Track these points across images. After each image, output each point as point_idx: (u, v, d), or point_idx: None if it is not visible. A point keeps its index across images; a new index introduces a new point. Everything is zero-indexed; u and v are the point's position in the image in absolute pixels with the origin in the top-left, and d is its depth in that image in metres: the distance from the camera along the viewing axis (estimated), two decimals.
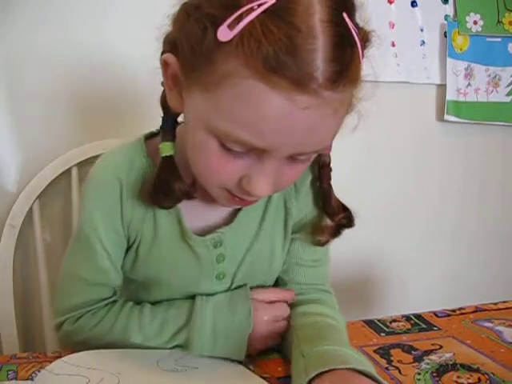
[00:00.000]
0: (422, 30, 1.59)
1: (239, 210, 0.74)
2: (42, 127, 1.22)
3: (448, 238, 1.76)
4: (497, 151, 1.76)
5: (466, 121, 1.66)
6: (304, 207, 0.78)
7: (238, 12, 0.50)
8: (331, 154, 0.75)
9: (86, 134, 1.20)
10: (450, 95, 1.63)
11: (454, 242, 1.77)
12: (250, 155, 0.57)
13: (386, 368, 0.70)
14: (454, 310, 0.90)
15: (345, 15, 0.52)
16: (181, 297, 0.75)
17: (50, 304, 1.15)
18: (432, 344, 0.77)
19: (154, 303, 0.75)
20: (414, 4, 1.56)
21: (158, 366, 0.66)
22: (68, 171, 1.17)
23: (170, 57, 0.60)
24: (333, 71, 0.50)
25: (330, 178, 0.75)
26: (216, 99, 0.54)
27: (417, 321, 0.86)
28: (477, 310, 0.90)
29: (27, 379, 0.65)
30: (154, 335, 0.70)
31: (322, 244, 0.77)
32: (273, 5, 0.49)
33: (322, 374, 0.58)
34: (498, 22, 1.64)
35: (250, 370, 0.69)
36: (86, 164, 1.15)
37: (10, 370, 0.67)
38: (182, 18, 0.58)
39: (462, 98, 1.64)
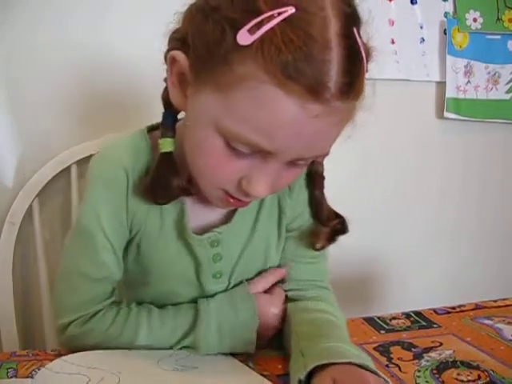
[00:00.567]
0: (421, 28, 1.58)
1: (235, 209, 0.74)
2: (42, 125, 1.22)
3: (448, 236, 1.75)
4: (497, 149, 1.76)
5: (466, 118, 1.66)
6: (298, 205, 0.78)
7: (259, 18, 0.51)
8: (324, 161, 0.76)
9: (86, 132, 1.20)
10: (450, 92, 1.63)
11: (453, 240, 1.76)
12: (254, 156, 0.58)
13: (386, 365, 0.70)
14: (453, 308, 0.90)
15: (355, 30, 0.55)
16: (180, 294, 0.75)
17: (50, 301, 1.15)
18: (432, 341, 0.77)
19: (153, 300, 0.75)
20: (413, 1, 1.56)
21: (159, 366, 0.67)
22: (67, 169, 1.17)
23: (179, 54, 0.61)
24: (344, 83, 0.53)
25: (322, 187, 0.77)
26: (229, 100, 0.55)
27: (417, 318, 0.86)
28: (477, 307, 0.90)
29: (27, 377, 0.65)
30: (163, 340, 0.71)
31: (319, 249, 0.77)
32: (292, 14, 0.51)
33: (321, 369, 0.59)
34: (498, 19, 1.64)
35: (249, 367, 0.69)
36: (85, 162, 1.15)
37: (9, 368, 0.67)
38: (197, 18, 0.58)
39: (461, 96, 1.64)
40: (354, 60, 0.54)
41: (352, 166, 1.54)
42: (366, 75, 0.58)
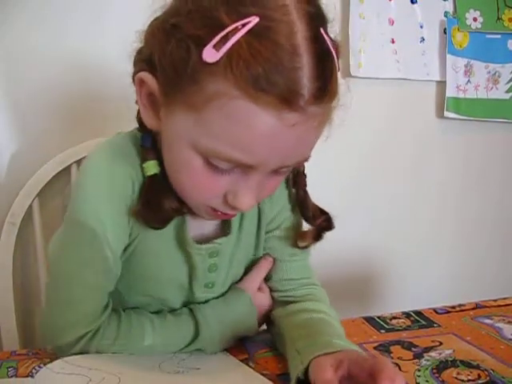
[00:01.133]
0: (421, 27, 1.58)
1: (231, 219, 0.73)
2: (42, 125, 1.22)
3: (448, 235, 1.75)
4: (497, 148, 1.76)
5: (466, 118, 1.66)
6: (276, 204, 0.77)
7: (223, 32, 0.50)
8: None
9: (86, 132, 1.20)
10: (450, 92, 1.63)
11: (454, 239, 1.76)
12: (235, 171, 0.58)
13: None
14: (453, 307, 0.90)
15: (322, 30, 0.54)
16: (168, 300, 0.74)
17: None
18: (432, 341, 0.77)
19: (139, 304, 0.74)
20: (413, 1, 1.56)
21: (160, 369, 0.67)
22: (67, 169, 1.17)
23: (146, 75, 0.59)
24: (317, 87, 0.52)
25: (305, 185, 0.76)
26: (203, 119, 0.54)
27: (417, 318, 0.86)
28: (477, 306, 0.90)
29: (27, 376, 0.65)
30: (166, 347, 0.71)
31: (305, 248, 0.77)
32: (256, 24, 0.50)
33: (316, 358, 0.60)
34: (498, 18, 1.64)
35: (250, 367, 0.69)
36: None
37: (10, 367, 0.67)
38: (160, 37, 0.57)
39: (461, 95, 1.64)
40: (325, 62, 0.54)
41: (352, 165, 1.54)
42: (339, 73, 0.58)
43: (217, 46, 0.51)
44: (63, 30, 1.19)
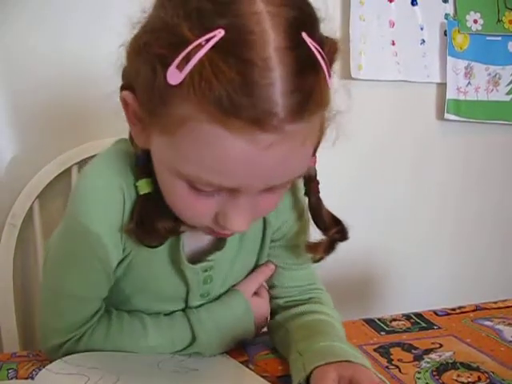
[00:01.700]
0: (422, 29, 1.58)
1: None
2: (42, 126, 1.22)
3: (448, 237, 1.75)
4: (497, 150, 1.76)
5: (466, 120, 1.66)
6: (282, 214, 0.75)
7: (186, 50, 0.46)
8: (317, 164, 0.70)
9: (86, 134, 1.20)
10: (450, 94, 1.63)
11: (454, 241, 1.76)
12: (222, 194, 0.55)
13: (386, 367, 0.70)
14: (454, 309, 0.90)
15: (304, 35, 0.48)
16: (163, 309, 0.73)
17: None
18: (432, 343, 0.77)
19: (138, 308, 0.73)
20: (414, 3, 1.56)
21: (159, 368, 0.67)
22: (68, 170, 1.17)
23: (128, 95, 0.56)
24: (294, 103, 0.47)
25: (318, 192, 0.71)
26: (177, 144, 0.51)
27: (417, 320, 0.86)
28: (477, 308, 0.90)
29: (27, 378, 0.65)
30: (162, 349, 0.70)
31: (317, 261, 0.73)
32: (222, 38, 0.46)
33: (320, 368, 0.59)
34: (498, 20, 1.64)
35: (250, 369, 0.69)
36: (85, 163, 1.14)
37: (10, 369, 0.68)
38: (132, 56, 0.55)
39: (462, 97, 1.64)
40: (305, 72, 0.48)
41: (353, 166, 1.54)
42: (331, 80, 0.52)
43: (180, 66, 0.47)
44: (63, 31, 1.20)
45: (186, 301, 0.73)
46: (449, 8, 1.60)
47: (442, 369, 0.69)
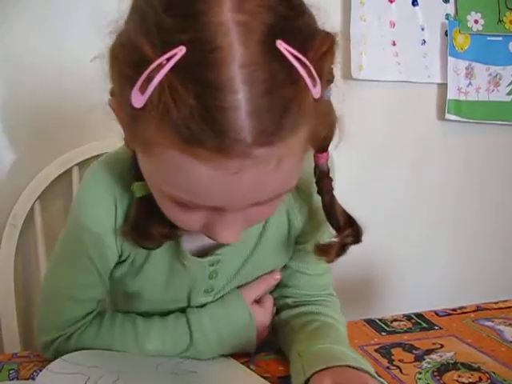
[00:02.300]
0: (422, 29, 1.58)
1: None
2: (43, 127, 1.22)
3: (449, 237, 1.75)
4: (498, 150, 1.76)
5: (467, 120, 1.66)
6: (307, 221, 0.73)
7: (147, 71, 0.43)
8: (329, 162, 0.66)
9: (87, 134, 1.20)
10: (451, 94, 1.63)
11: (454, 241, 1.76)
12: (208, 208, 0.51)
13: (387, 367, 0.70)
14: (455, 309, 0.90)
15: (280, 43, 0.43)
16: (169, 306, 0.73)
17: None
18: (433, 343, 0.77)
19: (140, 311, 0.73)
20: (414, 3, 1.56)
21: (158, 369, 0.67)
22: (69, 171, 1.17)
23: (113, 101, 0.55)
24: (263, 126, 0.43)
25: (331, 189, 0.66)
26: (152, 163, 0.50)
27: (418, 320, 0.86)
28: (478, 309, 0.90)
29: (28, 378, 0.65)
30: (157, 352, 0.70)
31: (328, 263, 0.70)
32: (183, 56, 0.42)
33: (319, 372, 0.59)
34: (499, 20, 1.64)
35: (251, 369, 0.69)
36: (86, 164, 1.15)
37: (11, 370, 0.68)
38: (110, 64, 0.51)
39: (462, 97, 1.64)
40: (278, 88, 0.43)
41: (353, 166, 1.54)
42: (317, 87, 0.46)
43: (142, 89, 0.43)
44: (63, 31, 1.20)
45: (188, 297, 0.72)
46: (449, 8, 1.60)
47: (442, 369, 0.69)
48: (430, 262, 1.73)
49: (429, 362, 0.71)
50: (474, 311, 0.89)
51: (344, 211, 0.67)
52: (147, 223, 0.60)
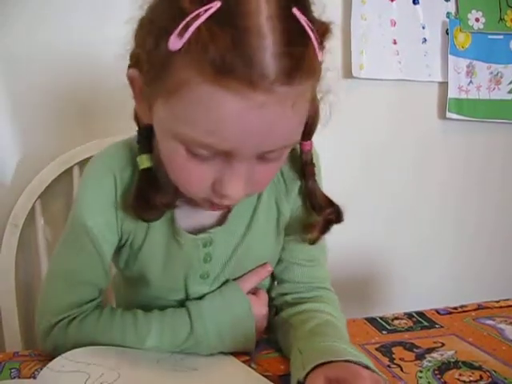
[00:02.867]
0: (423, 28, 1.58)
1: (229, 211, 0.73)
2: (43, 126, 1.22)
3: (449, 236, 1.75)
4: (499, 149, 1.76)
5: (468, 118, 1.66)
6: (295, 209, 0.78)
7: (186, 20, 0.51)
8: (313, 151, 0.74)
9: (88, 133, 1.20)
10: (452, 93, 1.63)
11: (455, 240, 1.76)
12: (217, 159, 0.58)
13: (388, 366, 0.70)
14: (455, 308, 0.90)
15: (295, 10, 0.53)
16: (167, 295, 0.75)
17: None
18: (434, 342, 0.77)
19: (141, 305, 0.75)
20: (415, 1, 1.56)
21: (158, 365, 0.67)
22: (69, 170, 1.17)
23: (133, 72, 0.61)
24: (284, 66, 0.51)
25: (314, 175, 0.75)
26: (176, 107, 0.55)
27: (419, 318, 0.86)
28: (479, 307, 0.90)
29: (30, 377, 0.65)
30: (155, 346, 0.70)
31: (313, 242, 0.76)
32: (218, 9, 0.50)
33: (317, 367, 0.59)
34: (500, 19, 1.64)
35: (251, 368, 0.69)
36: (87, 163, 1.15)
37: (12, 368, 0.68)
38: (140, 33, 0.61)
39: (463, 96, 1.64)
40: (295, 41, 0.52)
41: (353, 165, 1.54)
42: (322, 54, 0.56)
43: (180, 34, 0.51)
44: (63, 31, 1.20)
45: (185, 283, 0.74)
46: (450, 6, 1.60)
47: (443, 368, 0.69)
48: (430, 261, 1.73)
49: (430, 361, 0.71)
50: (475, 310, 0.89)
51: (324, 194, 0.75)
52: (150, 193, 0.66)
